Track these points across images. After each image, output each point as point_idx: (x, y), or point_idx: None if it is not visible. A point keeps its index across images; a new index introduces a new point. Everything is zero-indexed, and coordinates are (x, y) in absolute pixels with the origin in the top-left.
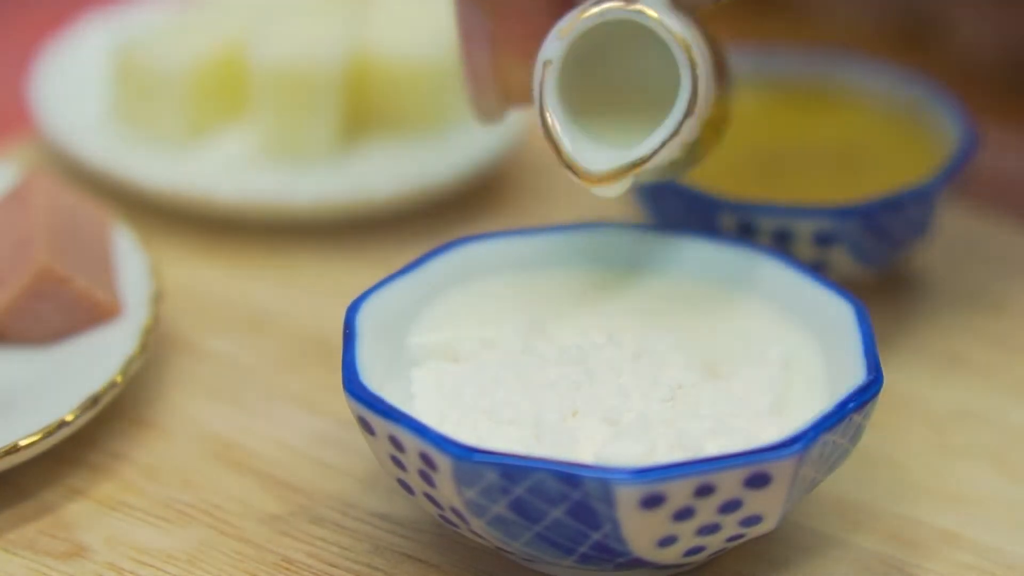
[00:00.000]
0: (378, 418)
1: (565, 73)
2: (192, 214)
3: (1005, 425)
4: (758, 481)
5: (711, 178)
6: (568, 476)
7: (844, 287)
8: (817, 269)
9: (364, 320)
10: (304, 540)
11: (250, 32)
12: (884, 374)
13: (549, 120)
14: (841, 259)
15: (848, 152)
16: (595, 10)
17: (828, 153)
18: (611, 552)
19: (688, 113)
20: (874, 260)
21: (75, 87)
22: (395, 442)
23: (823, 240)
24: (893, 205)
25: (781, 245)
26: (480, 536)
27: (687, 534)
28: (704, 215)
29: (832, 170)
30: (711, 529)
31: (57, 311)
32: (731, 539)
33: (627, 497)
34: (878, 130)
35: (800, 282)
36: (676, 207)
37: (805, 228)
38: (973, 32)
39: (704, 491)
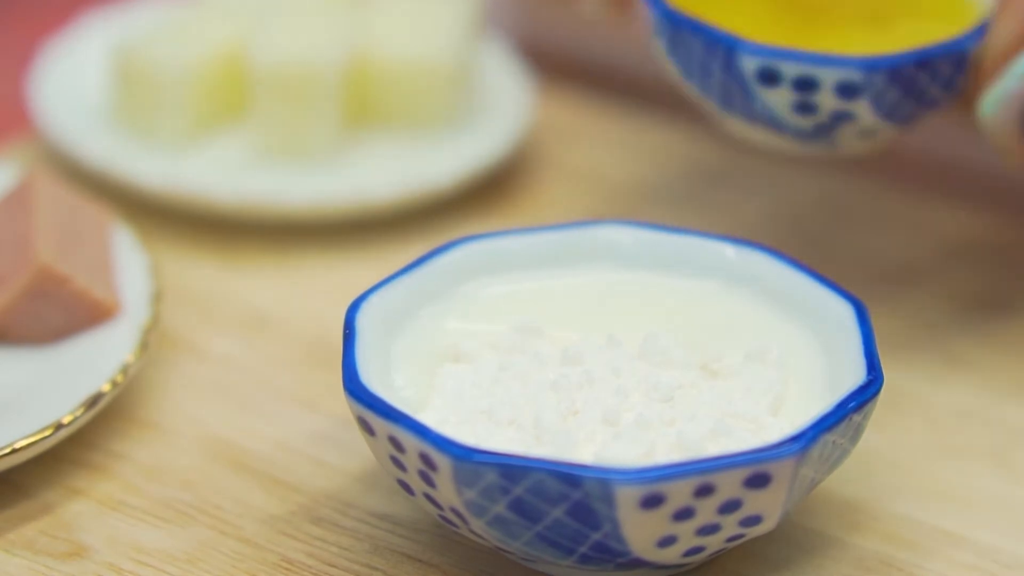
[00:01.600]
0: (378, 418)
1: None
2: (192, 214)
3: (1005, 425)
4: (758, 481)
5: (735, 29)
6: (568, 476)
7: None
8: (838, 120)
9: (364, 320)
10: (304, 540)
11: (250, 32)
12: (884, 374)
13: None
14: (864, 113)
15: (883, 7)
16: None
17: (862, 8)
18: (611, 552)
19: None
20: (898, 117)
21: (75, 87)
22: (395, 442)
23: (847, 91)
24: (923, 60)
25: (803, 93)
26: (480, 536)
27: (687, 534)
28: (725, 59)
29: (866, 26)
30: (711, 529)
31: (57, 311)
32: (731, 539)
33: (627, 497)
34: None
35: (800, 282)
36: (695, 51)
37: (830, 77)
38: None
39: (704, 491)
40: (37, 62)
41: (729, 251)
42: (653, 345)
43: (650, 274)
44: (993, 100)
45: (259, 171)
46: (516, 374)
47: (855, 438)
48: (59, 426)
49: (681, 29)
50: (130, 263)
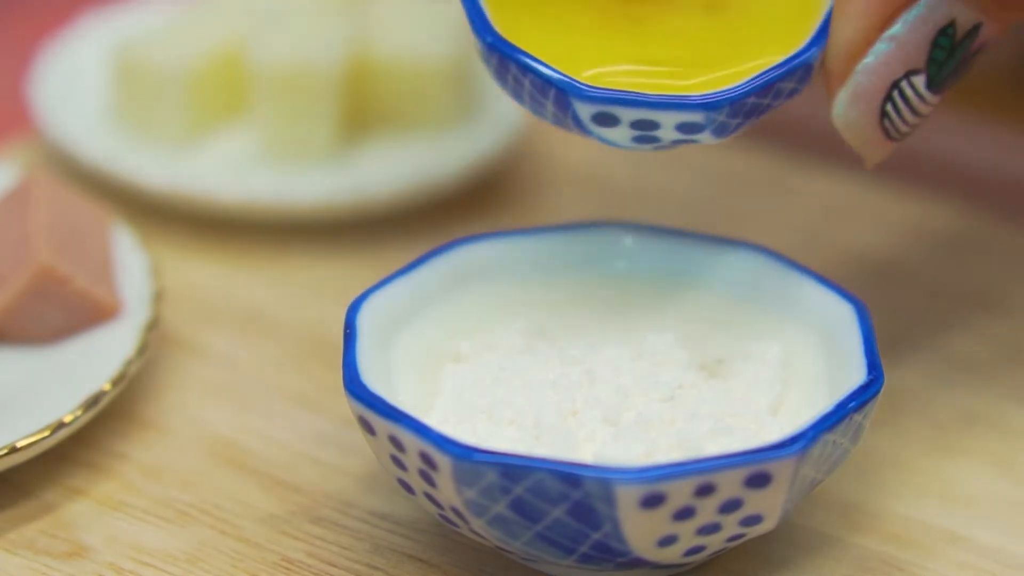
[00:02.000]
0: (378, 418)
1: None
2: (192, 214)
3: (1005, 425)
4: (758, 481)
5: (565, 27)
6: (568, 476)
7: (843, 286)
8: (681, 143)
9: (364, 320)
10: (304, 540)
11: (250, 32)
12: (884, 374)
13: None
14: (708, 138)
15: None
16: None
17: None
18: (611, 552)
19: None
20: (744, 128)
21: (75, 87)
22: (395, 442)
23: (689, 128)
24: (766, 87)
25: (644, 131)
26: (480, 536)
27: (687, 534)
28: (557, 100)
29: (702, 11)
30: (711, 529)
31: (57, 310)
32: (731, 539)
33: (627, 497)
34: None
35: (800, 282)
36: (525, 85)
37: (670, 119)
38: None
39: (704, 491)
40: (37, 62)
41: (729, 251)
42: (653, 345)
43: (650, 275)
44: (845, 101)
45: (259, 171)
46: (516, 374)
47: (856, 438)
48: (59, 426)
49: (510, 63)
50: (130, 263)
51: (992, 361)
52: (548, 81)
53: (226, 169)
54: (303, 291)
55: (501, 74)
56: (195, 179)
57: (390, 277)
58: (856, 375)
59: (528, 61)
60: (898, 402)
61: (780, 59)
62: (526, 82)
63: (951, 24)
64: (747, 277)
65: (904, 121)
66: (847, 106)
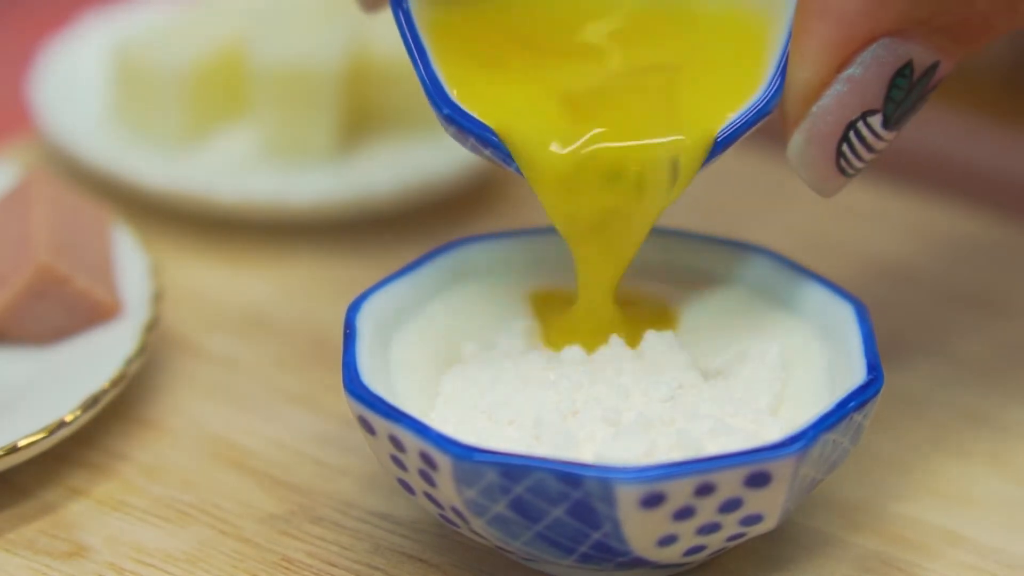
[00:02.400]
0: (378, 418)
1: None
2: (192, 214)
3: (1005, 425)
4: (758, 480)
5: (517, 84)
6: (568, 475)
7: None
8: None
9: (364, 320)
10: (304, 540)
11: (250, 32)
12: (884, 374)
13: None
14: None
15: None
16: None
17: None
18: (611, 551)
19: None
20: None
21: (75, 87)
22: (395, 442)
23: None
24: (726, 145)
25: None
26: (480, 536)
27: (687, 533)
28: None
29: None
30: (711, 528)
31: (57, 310)
32: (731, 538)
33: (627, 496)
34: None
35: (800, 282)
36: (487, 156)
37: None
38: None
39: (704, 490)
40: (37, 62)
41: (729, 251)
42: (653, 345)
43: (650, 275)
44: (800, 142)
45: (259, 171)
46: (516, 374)
47: (855, 438)
48: (59, 426)
49: (468, 135)
50: (130, 263)
51: (992, 361)
52: (508, 159)
53: (226, 169)
54: (303, 291)
55: (460, 139)
56: (195, 179)
57: (390, 277)
58: (856, 375)
59: (489, 137)
60: (898, 402)
61: (739, 110)
62: (486, 152)
63: (908, 64)
64: (748, 277)
65: (859, 158)
66: (803, 147)
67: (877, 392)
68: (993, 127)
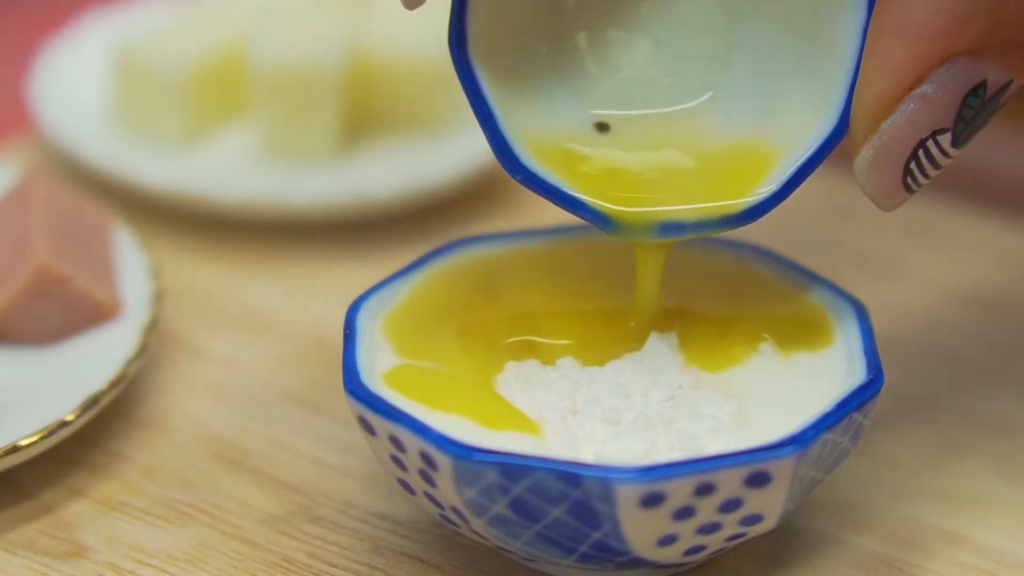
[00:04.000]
0: (378, 418)
1: None
2: (192, 214)
3: (1005, 425)
4: (758, 480)
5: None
6: (568, 475)
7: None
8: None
9: (365, 320)
10: (304, 540)
11: (250, 32)
12: (884, 374)
13: None
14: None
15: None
16: None
17: None
18: (611, 551)
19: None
20: None
21: (75, 87)
22: (395, 442)
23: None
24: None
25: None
26: (480, 535)
27: (687, 533)
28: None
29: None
30: (711, 528)
31: (57, 311)
32: (731, 538)
33: (627, 496)
34: None
35: (800, 282)
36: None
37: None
38: None
39: (704, 490)
40: (37, 62)
41: (729, 251)
42: (654, 345)
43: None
44: (868, 159)
45: (259, 171)
46: (517, 374)
47: (855, 438)
48: (59, 426)
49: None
50: (130, 263)
51: (992, 361)
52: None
53: (226, 169)
54: (303, 291)
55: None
56: (195, 179)
57: (390, 277)
58: (856, 375)
59: (574, 197)
60: (898, 402)
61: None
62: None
63: (982, 84)
64: (747, 277)
65: (925, 175)
66: (871, 162)
67: (877, 392)
68: (993, 127)
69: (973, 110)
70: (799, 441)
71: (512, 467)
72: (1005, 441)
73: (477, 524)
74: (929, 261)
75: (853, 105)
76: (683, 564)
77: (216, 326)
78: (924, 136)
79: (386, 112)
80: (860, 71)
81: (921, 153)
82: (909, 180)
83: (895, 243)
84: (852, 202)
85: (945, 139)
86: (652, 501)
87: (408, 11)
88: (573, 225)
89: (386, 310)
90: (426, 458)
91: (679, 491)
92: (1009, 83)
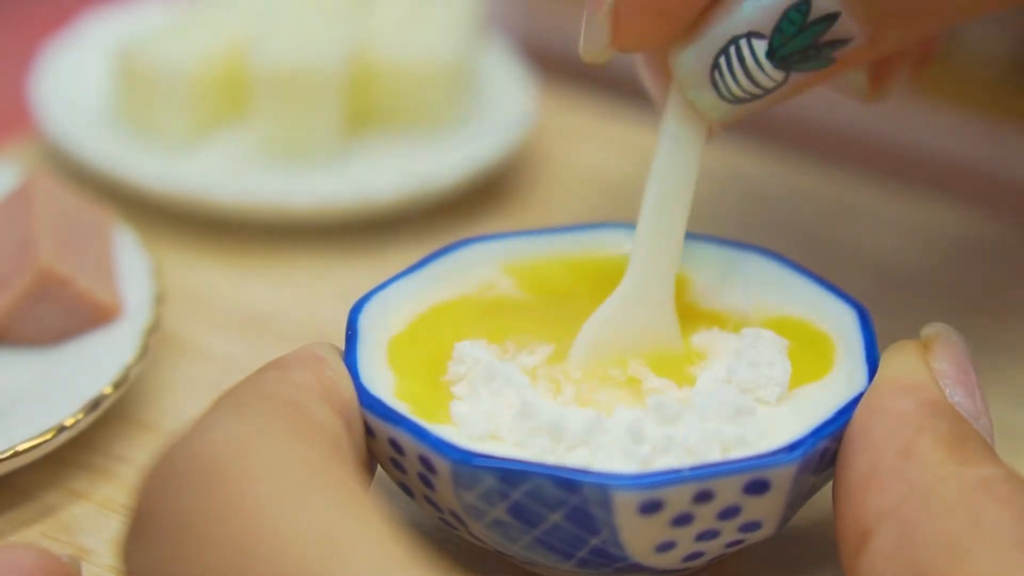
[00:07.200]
0: (378, 420)
1: None
2: (193, 215)
3: (1006, 426)
4: (757, 488)
5: None
6: (566, 481)
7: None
8: None
9: (366, 321)
10: None
11: (251, 32)
12: None
13: None
14: None
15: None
16: None
17: None
18: (610, 557)
19: None
20: None
21: (75, 87)
22: (395, 445)
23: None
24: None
25: None
26: (479, 539)
27: (686, 540)
28: None
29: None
30: (710, 535)
31: (58, 312)
32: (730, 545)
33: (625, 503)
34: None
35: (801, 285)
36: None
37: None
38: (980, 30)
39: (703, 497)
40: (37, 62)
41: (729, 253)
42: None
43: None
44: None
45: (260, 172)
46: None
47: None
48: (60, 429)
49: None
50: (132, 264)
51: (992, 363)
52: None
53: (227, 170)
54: (304, 293)
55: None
56: (196, 180)
57: (392, 278)
58: (858, 380)
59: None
60: None
61: None
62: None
63: (806, 1)
64: (748, 279)
65: (736, 80)
66: (686, 48)
67: None
68: (993, 127)
69: (794, 26)
70: (799, 449)
71: (510, 472)
72: (1005, 441)
73: (476, 528)
74: (929, 261)
75: None
76: (682, 570)
77: (217, 328)
78: (739, 34)
79: (387, 113)
80: None
81: (732, 50)
82: (716, 76)
83: (895, 243)
84: (853, 204)
85: (760, 45)
86: (650, 508)
87: (408, 12)
88: (574, 225)
89: (388, 312)
90: (425, 462)
91: (677, 498)
92: (835, 15)
